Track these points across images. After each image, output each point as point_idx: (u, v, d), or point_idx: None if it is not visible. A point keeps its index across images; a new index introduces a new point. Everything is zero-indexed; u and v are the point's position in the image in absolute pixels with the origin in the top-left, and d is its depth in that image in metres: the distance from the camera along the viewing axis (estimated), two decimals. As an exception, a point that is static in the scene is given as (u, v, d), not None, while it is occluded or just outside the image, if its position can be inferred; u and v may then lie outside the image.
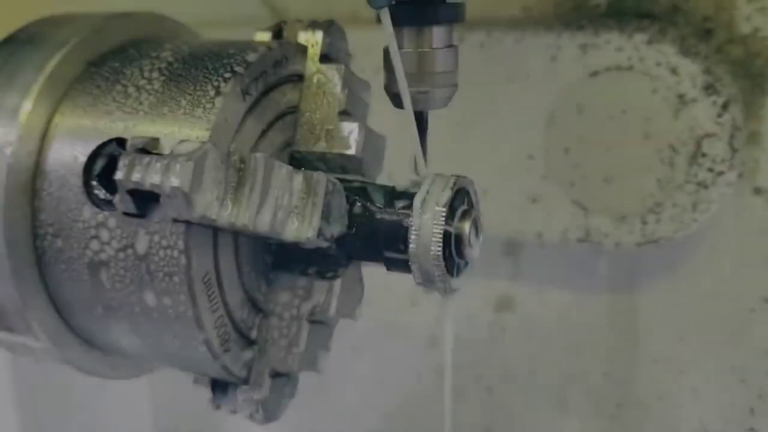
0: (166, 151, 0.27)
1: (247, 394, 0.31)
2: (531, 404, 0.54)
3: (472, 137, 0.48)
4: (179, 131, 0.28)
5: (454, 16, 0.31)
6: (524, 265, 0.52)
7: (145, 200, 0.26)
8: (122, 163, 0.26)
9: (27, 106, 0.30)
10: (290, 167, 0.28)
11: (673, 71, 0.42)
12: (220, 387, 0.32)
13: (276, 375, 0.31)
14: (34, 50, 0.31)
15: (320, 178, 0.28)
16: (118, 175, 0.26)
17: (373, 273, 0.34)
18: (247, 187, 0.26)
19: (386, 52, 0.31)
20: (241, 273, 0.30)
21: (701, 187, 0.42)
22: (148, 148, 0.27)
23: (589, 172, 0.45)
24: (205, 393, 0.33)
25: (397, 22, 0.29)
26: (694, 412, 0.48)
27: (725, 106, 0.41)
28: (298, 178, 0.28)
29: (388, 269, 0.31)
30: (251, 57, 0.29)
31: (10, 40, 0.33)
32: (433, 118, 0.52)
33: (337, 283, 0.31)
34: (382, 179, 0.34)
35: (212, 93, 0.28)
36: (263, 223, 0.27)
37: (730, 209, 0.44)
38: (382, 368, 0.59)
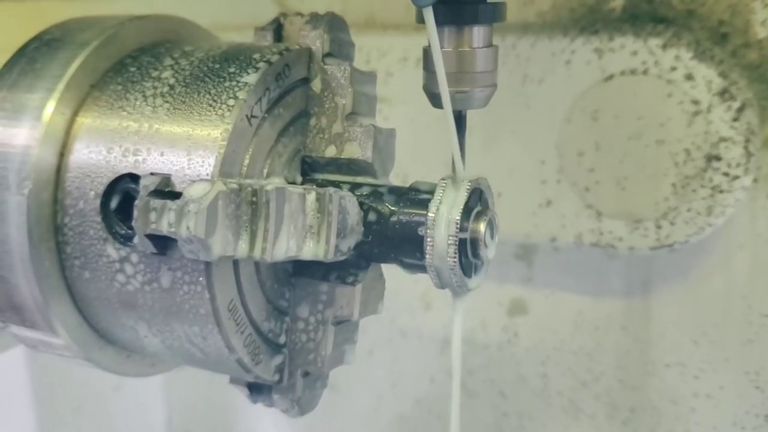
0: (179, 188, 0.27)
1: (282, 394, 0.32)
2: (544, 408, 0.53)
3: (486, 141, 0.48)
4: (189, 166, 0.28)
5: (494, 16, 0.31)
6: (538, 268, 0.51)
7: (163, 240, 0.26)
8: (136, 209, 0.26)
9: (45, 121, 0.29)
10: (302, 190, 0.28)
11: (688, 75, 0.42)
12: (255, 387, 0.33)
13: (307, 374, 0.32)
14: (36, 79, 0.31)
15: (333, 196, 0.28)
16: (135, 222, 0.26)
17: (386, 276, 0.34)
18: (261, 220, 0.27)
19: (426, 52, 0.31)
20: (264, 288, 0.31)
21: (716, 192, 0.42)
22: (161, 188, 0.27)
23: (603, 176, 0.45)
24: (227, 387, 0.33)
25: (437, 22, 0.28)
26: (708, 418, 0.48)
27: (740, 111, 0.41)
28: (311, 198, 0.28)
29: (405, 271, 0.31)
30: (252, 78, 0.29)
31: (18, 55, 0.32)
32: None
33: (359, 287, 0.31)
34: (394, 173, 0.34)
35: (217, 122, 0.28)
36: (280, 251, 0.27)
37: (745, 214, 0.44)
38: (395, 372, 0.59)
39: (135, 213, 0.26)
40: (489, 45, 0.31)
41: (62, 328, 0.31)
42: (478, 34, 0.31)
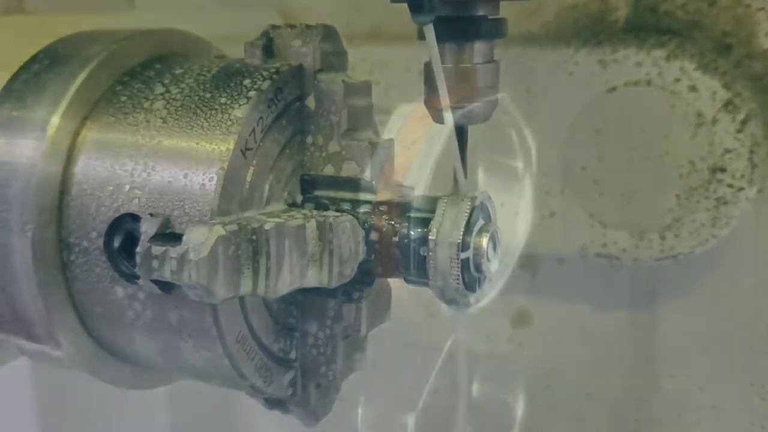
0: (179, 229, 0.27)
1: (297, 405, 0.32)
2: (548, 420, 0.53)
3: (489, 152, 0.48)
4: (188, 205, 0.28)
5: (495, 32, 0.31)
6: (542, 279, 0.51)
7: (168, 282, 0.26)
8: (139, 256, 0.26)
9: (40, 161, 0.29)
10: (302, 219, 0.28)
11: (692, 87, 0.42)
12: (270, 398, 0.33)
13: (319, 386, 0.32)
14: (30, 112, 0.31)
15: (333, 224, 0.28)
16: (138, 268, 0.26)
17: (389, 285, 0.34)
18: (263, 257, 0.27)
19: (427, 68, 0.31)
20: (271, 310, 0.31)
21: (720, 203, 0.42)
22: (162, 230, 0.27)
23: (607, 187, 0.45)
24: (232, 395, 0.34)
25: (439, 38, 0.29)
26: (713, 430, 0.48)
27: (745, 122, 0.41)
28: (311, 226, 0.28)
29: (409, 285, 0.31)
30: (243, 111, 0.28)
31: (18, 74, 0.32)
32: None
33: (365, 303, 0.31)
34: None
35: (213, 159, 0.28)
36: (284, 286, 0.27)
37: (749, 225, 0.44)
38: (398, 383, 0.59)
39: (138, 259, 0.26)
40: (490, 61, 0.31)
41: (78, 354, 0.31)
42: (479, 50, 0.31)
